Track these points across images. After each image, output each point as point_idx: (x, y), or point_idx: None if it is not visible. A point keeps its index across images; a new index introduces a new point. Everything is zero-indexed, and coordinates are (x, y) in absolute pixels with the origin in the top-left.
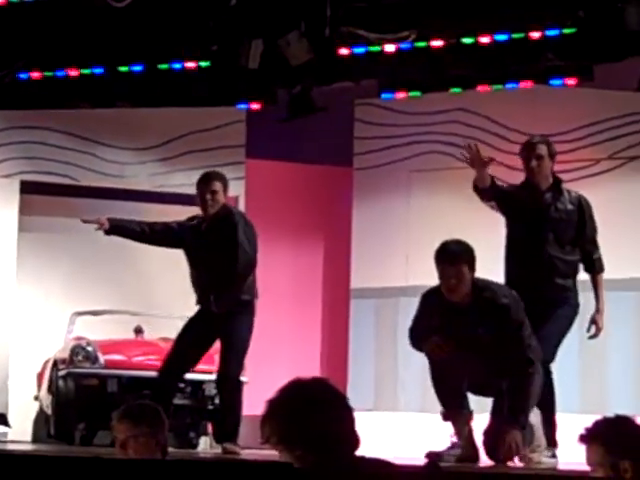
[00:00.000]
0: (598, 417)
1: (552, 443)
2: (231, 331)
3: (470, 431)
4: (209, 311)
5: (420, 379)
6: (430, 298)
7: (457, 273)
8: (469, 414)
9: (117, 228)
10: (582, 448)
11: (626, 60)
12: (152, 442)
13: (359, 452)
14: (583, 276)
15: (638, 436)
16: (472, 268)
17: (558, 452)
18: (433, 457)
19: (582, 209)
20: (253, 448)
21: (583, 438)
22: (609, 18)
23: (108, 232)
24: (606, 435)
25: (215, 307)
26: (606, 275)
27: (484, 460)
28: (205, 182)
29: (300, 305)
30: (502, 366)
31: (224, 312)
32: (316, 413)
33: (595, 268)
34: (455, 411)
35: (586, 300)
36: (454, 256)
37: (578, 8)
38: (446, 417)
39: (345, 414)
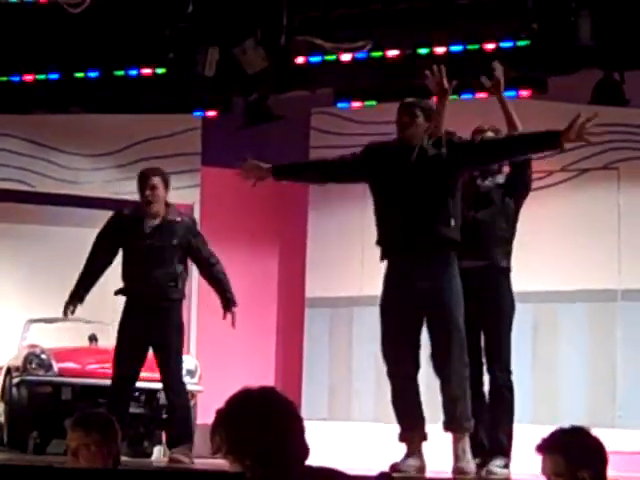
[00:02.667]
0: (549, 428)
1: (506, 454)
2: (165, 337)
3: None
4: (138, 311)
5: (374, 389)
6: None
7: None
8: (424, 435)
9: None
10: (534, 459)
11: (579, 73)
12: (104, 451)
13: (310, 462)
14: (535, 287)
15: (595, 447)
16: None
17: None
18: (394, 469)
19: None
20: (207, 457)
21: (540, 448)
22: (562, 31)
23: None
24: (565, 445)
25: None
26: (556, 287)
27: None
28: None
29: (255, 314)
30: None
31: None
32: (264, 423)
33: None
34: (411, 431)
35: (539, 310)
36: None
37: (532, 21)
38: (402, 438)
39: (294, 423)
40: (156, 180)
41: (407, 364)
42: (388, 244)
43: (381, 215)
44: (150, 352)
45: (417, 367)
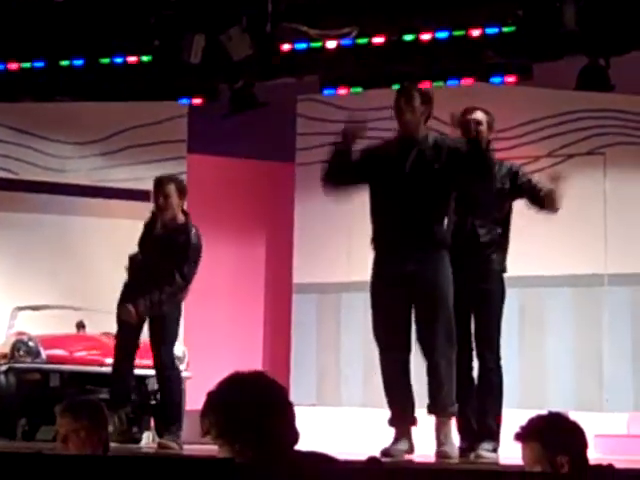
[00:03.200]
0: (537, 412)
1: (495, 438)
2: (162, 322)
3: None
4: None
5: (362, 374)
6: None
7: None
8: (414, 420)
9: None
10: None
11: (564, 59)
12: (93, 437)
13: (299, 447)
14: (521, 272)
15: (572, 431)
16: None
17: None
18: (386, 454)
19: None
20: (196, 443)
21: (519, 436)
22: (547, 17)
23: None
24: (542, 432)
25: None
26: (543, 272)
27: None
28: (157, 186)
29: (243, 300)
30: None
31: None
32: (254, 407)
33: None
34: (401, 415)
35: (525, 295)
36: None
37: (517, 7)
38: (392, 422)
39: (284, 408)
40: (169, 188)
41: (398, 347)
42: (381, 239)
43: (377, 212)
44: (141, 340)
45: (408, 350)
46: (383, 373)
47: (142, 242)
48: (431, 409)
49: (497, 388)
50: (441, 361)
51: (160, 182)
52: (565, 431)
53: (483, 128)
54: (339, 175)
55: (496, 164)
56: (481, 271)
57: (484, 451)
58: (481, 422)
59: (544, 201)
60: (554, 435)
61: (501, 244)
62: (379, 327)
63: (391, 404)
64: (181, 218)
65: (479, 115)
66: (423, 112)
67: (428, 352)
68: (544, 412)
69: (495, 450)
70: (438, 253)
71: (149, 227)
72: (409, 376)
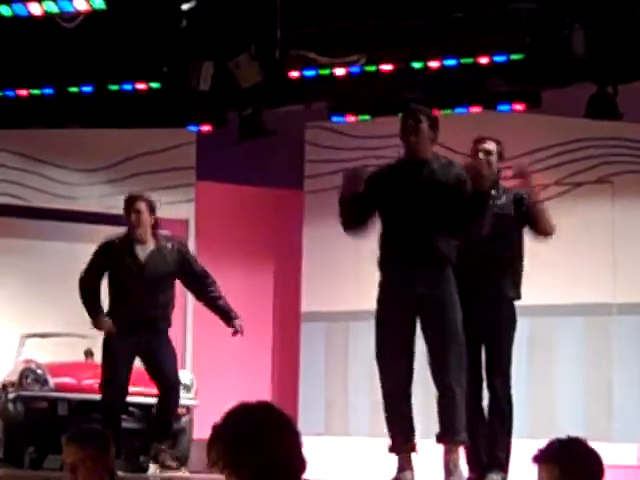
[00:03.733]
0: (545, 442)
1: (504, 468)
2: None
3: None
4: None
5: (370, 403)
6: None
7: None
8: (413, 446)
9: None
10: (530, 473)
11: (573, 86)
12: (100, 466)
13: (306, 476)
14: (531, 301)
15: (591, 457)
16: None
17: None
18: None
19: None
20: (203, 472)
21: (537, 458)
22: (556, 45)
23: None
24: (561, 455)
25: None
26: (552, 301)
27: None
28: (129, 203)
29: (251, 328)
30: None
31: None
32: (261, 438)
33: None
34: (400, 444)
35: (535, 324)
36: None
37: (525, 34)
38: (392, 449)
39: (291, 438)
40: (141, 205)
41: (401, 375)
42: (389, 258)
43: (385, 234)
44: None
45: (410, 378)
46: (385, 395)
47: (123, 260)
48: (441, 436)
49: (508, 418)
50: (454, 386)
51: (132, 199)
52: (585, 456)
53: (493, 158)
54: (355, 219)
55: (504, 192)
56: (490, 297)
57: None
58: (491, 452)
59: (533, 221)
60: (574, 459)
61: (510, 270)
62: (383, 349)
63: (392, 429)
64: (150, 234)
65: (490, 145)
66: (430, 135)
67: (440, 376)
68: (562, 436)
69: None
70: (446, 274)
71: (125, 245)
72: (410, 400)
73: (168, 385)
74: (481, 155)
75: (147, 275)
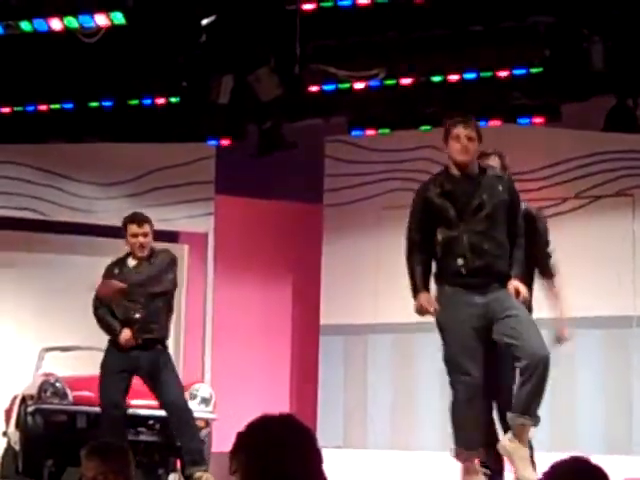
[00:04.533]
0: (566, 455)
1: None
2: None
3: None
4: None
5: (389, 416)
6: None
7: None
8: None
9: None
10: None
11: (592, 99)
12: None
13: None
14: (550, 314)
15: (596, 474)
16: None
17: None
18: None
19: None
20: None
21: None
22: (575, 58)
23: None
24: (564, 475)
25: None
26: (571, 314)
27: None
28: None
29: (270, 341)
30: None
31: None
32: (282, 450)
33: None
34: (471, 450)
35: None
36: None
37: (544, 48)
38: (460, 456)
39: (312, 452)
40: (148, 227)
41: (477, 377)
42: (450, 276)
43: (446, 245)
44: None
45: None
46: (456, 399)
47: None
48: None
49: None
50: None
51: (145, 220)
52: (589, 474)
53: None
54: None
55: (488, 173)
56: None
57: None
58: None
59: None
60: (577, 479)
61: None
62: (455, 351)
63: (458, 434)
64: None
65: (491, 162)
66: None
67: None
68: (566, 456)
69: None
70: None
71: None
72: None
73: (169, 410)
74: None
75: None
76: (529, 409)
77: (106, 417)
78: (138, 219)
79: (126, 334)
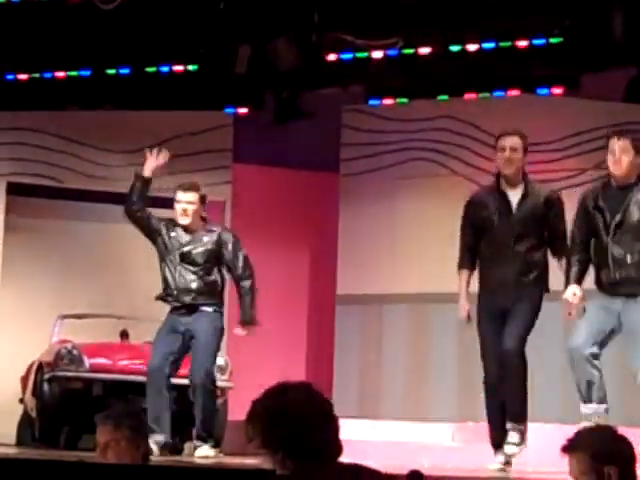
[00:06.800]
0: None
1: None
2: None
3: None
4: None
5: (404, 386)
6: None
7: None
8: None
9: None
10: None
11: (612, 70)
12: (133, 446)
13: (340, 459)
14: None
15: (621, 443)
16: None
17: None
18: None
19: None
20: (238, 454)
21: (565, 448)
22: (596, 28)
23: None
24: (590, 443)
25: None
26: (588, 285)
27: None
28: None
29: (286, 310)
30: None
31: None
32: (299, 418)
33: None
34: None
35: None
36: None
37: (565, 18)
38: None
39: (329, 420)
40: (191, 196)
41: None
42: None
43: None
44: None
45: None
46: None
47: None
48: None
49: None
50: None
51: (190, 188)
52: (613, 442)
53: (519, 155)
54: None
55: (534, 187)
56: (520, 291)
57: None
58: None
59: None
60: (602, 446)
61: (539, 267)
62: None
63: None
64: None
65: (515, 141)
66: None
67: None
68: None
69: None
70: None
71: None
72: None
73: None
74: (507, 153)
75: (185, 256)
76: None
77: None
78: (184, 186)
79: None
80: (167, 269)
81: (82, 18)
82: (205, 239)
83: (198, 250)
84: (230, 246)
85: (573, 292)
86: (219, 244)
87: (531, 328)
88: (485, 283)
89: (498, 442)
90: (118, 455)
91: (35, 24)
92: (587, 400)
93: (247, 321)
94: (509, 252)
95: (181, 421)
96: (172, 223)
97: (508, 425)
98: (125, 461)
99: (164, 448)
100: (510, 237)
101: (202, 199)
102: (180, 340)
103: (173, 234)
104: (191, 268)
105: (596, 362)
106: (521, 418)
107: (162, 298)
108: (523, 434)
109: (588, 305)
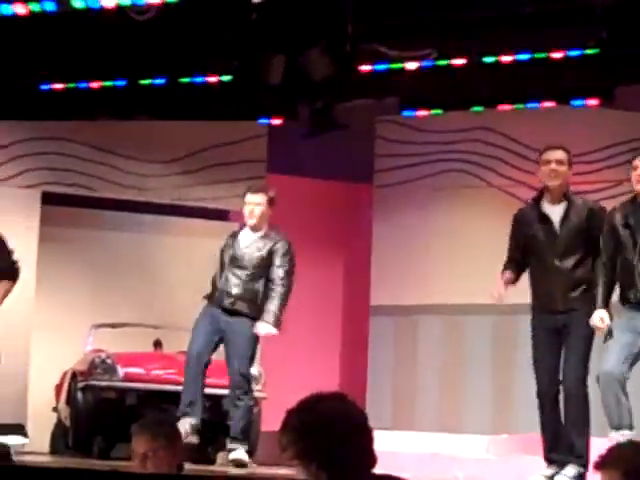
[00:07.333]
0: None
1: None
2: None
3: None
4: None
5: (438, 398)
6: None
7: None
8: None
9: None
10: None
11: None
12: (170, 456)
13: (375, 471)
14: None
15: None
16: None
17: None
18: None
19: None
20: (271, 465)
21: (597, 465)
22: (632, 40)
23: None
24: (622, 460)
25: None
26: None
27: None
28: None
29: (320, 322)
30: None
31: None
32: (333, 429)
33: None
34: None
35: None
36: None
37: (601, 29)
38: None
39: (364, 431)
40: (259, 197)
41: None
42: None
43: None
44: (214, 357)
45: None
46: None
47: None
48: None
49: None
50: None
51: (259, 190)
52: None
53: (564, 168)
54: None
55: (576, 202)
56: (569, 308)
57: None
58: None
59: None
60: (634, 463)
61: (584, 283)
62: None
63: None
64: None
65: (560, 154)
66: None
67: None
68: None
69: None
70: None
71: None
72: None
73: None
74: (553, 165)
75: (242, 259)
76: None
77: None
78: (252, 188)
79: None
80: (219, 271)
81: (117, 29)
82: (261, 245)
83: (251, 255)
84: (279, 256)
85: (600, 317)
86: (270, 252)
87: (588, 358)
88: (536, 298)
89: (550, 456)
90: (156, 465)
91: (70, 35)
92: (618, 427)
93: (268, 321)
94: (555, 269)
95: (214, 430)
96: (236, 233)
97: (570, 458)
98: (163, 470)
99: (193, 432)
100: (555, 255)
101: (270, 201)
102: (218, 334)
103: (236, 244)
104: (237, 272)
105: (625, 387)
106: (583, 459)
107: (207, 297)
108: (582, 476)
109: (614, 326)
